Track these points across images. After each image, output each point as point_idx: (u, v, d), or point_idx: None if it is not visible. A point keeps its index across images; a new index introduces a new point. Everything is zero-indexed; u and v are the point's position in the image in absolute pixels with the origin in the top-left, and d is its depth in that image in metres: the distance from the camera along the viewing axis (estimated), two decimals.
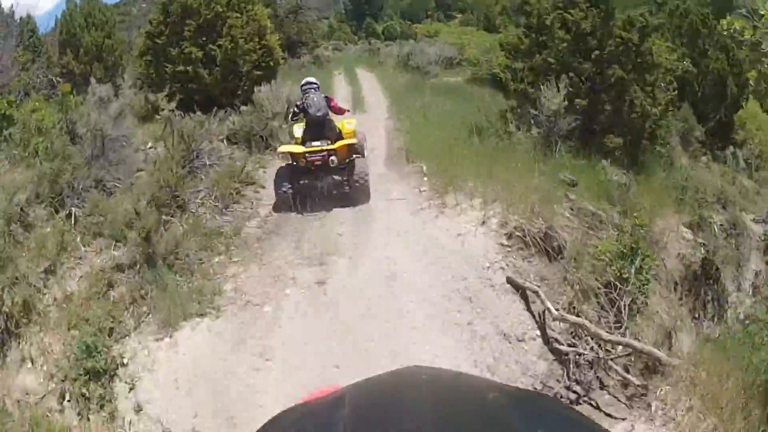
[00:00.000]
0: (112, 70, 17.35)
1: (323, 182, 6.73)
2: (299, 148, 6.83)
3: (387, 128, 10.89)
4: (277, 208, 7.08)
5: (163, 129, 9.22)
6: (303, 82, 7.46)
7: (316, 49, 24.65)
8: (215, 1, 12.21)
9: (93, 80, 13.22)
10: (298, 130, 7.24)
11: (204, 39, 12.30)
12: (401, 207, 6.69)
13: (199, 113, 10.45)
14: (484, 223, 6.06)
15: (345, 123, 7.40)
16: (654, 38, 10.84)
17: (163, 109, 11.67)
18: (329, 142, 6.87)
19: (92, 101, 11.19)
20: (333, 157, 6.69)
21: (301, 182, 6.78)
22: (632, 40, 9.67)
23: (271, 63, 12.38)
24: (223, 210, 6.95)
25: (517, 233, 6.00)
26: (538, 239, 5.98)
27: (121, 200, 6.75)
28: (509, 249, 5.86)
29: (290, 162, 7.09)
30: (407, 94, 14.47)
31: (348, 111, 8.05)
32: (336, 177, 6.75)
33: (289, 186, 6.78)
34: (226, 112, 11.07)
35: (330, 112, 7.23)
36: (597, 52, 9.19)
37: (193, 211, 6.79)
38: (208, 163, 7.93)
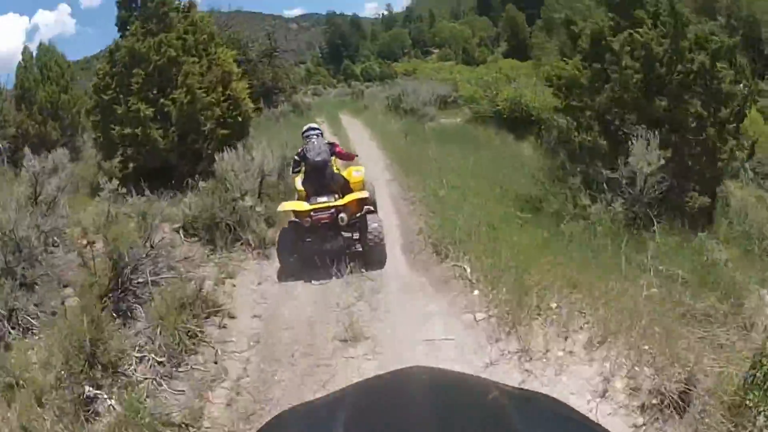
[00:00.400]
0: (71, 129, 15.00)
1: (332, 243, 5.80)
2: (303, 205, 5.91)
3: (393, 197, 8.38)
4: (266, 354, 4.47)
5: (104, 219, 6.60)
6: (304, 128, 6.73)
7: (294, 95, 22.40)
8: (167, 43, 9.80)
9: (27, 150, 10.58)
10: (299, 182, 6.41)
11: (155, 92, 9.84)
12: (450, 355, 4.02)
13: (153, 191, 7.92)
14: (606, 392, 3.46)
15: (352, 171, 6.53)
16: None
17: (103, 187, 9.13)
18: (337, 196, 6.04)
19: (27, 177, 8.29)
20: (342, 215, 5.75)
21: (306, 243, 5.89)
22: (705, 64, 7.41)
23: (240, 117, 9.89)
24: (173, 371, 4.27)
25: (654, 399, 3.43)
26: (677, 398, 3.39)
27: (25, 355, 4.18)
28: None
29: (293, 220, 6.12)
30: (406, 143, 12.07)
31: (357, 156, 7.35)
32: (346, 236, 5.90)
33: (295, 255, 5.88)
34: (187, 184, 8.51)
35: (332, 160, 6.37)
36: (667, 82, 6.91)
37: (128, 375, 4.11)
38: (150, 279, 5.26)
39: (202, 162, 9.50)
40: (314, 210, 5.76)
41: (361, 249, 5.90)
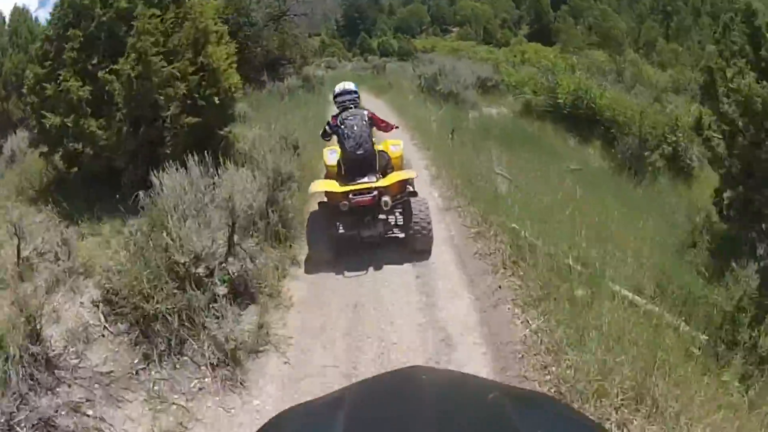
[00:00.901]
0: None
1: (373, 230, 4.95)
2: (338, 186, 4.94)
3: (457, 247, 5.15)
4: None
5: None
6: (337, 90, 5.55)
7: (305, 67, 18.97)
8: None
9: None
10: (331, 156, 5.39)
11: (95, 63, 6.55)
12: None
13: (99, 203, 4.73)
14: None
15: (390, 145, 5.57)
16: None
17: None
18: (378, 175, 5.11)
19: None
20: (386, 198, 4.86)
21: (342, 232, 5.02)
22: None
23: (217, 97, 6.57)
24: None
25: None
26: None
27: None
28: None
29: (324, 201, 5.20)
30: (454, 144, 8.74)
31: (397, 127, 5.86)
32: (388, 221, 5.18)
33: (329, 245, 4.92)
34: (136, 199, 5.19)
35: (373, 136, 5.28)
36: None
37: None
38: None
39: (166, 159, 6.26)
40: (353, 192, 4.88)
41: (403, 235, 5.15)
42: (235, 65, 6.84)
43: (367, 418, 0.87)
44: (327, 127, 5.36)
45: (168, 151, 6.10)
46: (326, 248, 4.92)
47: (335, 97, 5.54)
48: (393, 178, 4.98)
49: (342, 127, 5.17)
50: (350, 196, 4.84)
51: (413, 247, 4.97)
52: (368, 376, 1.03)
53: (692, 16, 40.65)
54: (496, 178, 6.91)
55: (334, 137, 5.32)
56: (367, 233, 4.94)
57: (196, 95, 6.30)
